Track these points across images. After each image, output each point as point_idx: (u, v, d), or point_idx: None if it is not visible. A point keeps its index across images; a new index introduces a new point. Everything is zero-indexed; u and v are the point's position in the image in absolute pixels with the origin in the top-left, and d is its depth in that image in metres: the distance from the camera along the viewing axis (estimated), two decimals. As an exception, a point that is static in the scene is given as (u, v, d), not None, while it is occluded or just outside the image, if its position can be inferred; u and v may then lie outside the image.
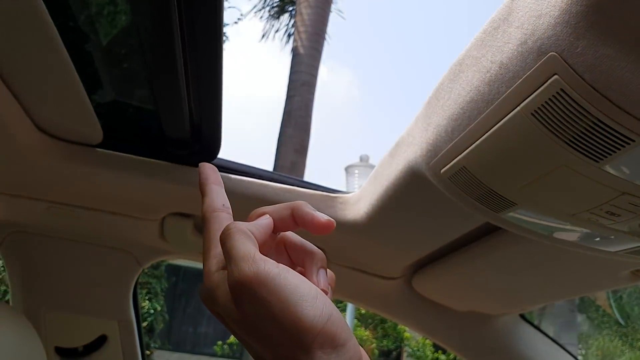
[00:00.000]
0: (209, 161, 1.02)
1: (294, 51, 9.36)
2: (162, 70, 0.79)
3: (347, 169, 6.94)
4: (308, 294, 0.40)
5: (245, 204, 1.07)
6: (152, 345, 8.50)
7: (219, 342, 11.52)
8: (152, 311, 8.11)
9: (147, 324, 8.17)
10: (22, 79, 0.80)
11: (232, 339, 11.02)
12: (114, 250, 1.29)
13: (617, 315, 11.46)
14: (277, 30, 12.94)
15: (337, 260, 1.22)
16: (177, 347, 13.35)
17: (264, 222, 0.49)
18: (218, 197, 0.53)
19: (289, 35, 12.19)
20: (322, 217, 0.48)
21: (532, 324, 1.37)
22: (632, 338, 11.86)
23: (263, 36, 13.20)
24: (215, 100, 0.85)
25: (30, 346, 0.99)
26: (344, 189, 1.13)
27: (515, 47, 0.48)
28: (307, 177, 9.04)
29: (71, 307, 1.33)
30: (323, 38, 9.40)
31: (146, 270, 8.34)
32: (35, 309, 1.29)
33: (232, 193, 1.04)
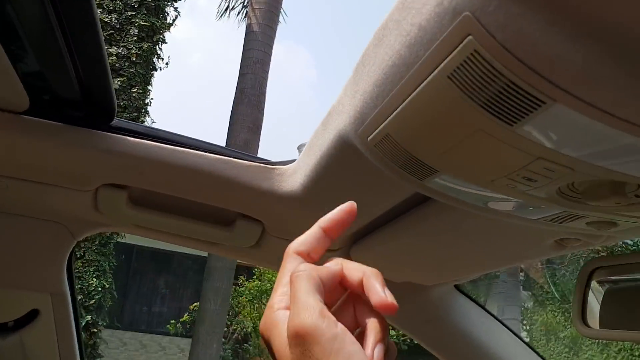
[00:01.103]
0: (106, 124, 1.01)
1: (248, 28, 9.25)
2: (37, 28, 0.77)
3: (300, 147, 6.92)
4: None
5: (179, 175, 1.05)
6: (99, 323, 8.38)
7: (172, 321, 11.45)
8: (100, 289, 8.00)
9: (95, 302, 8.05)
10: None
11: (185, 317, 10.97)
12: (46, 222, 1.25)
13: (555, 293, 11.89)
14: (232, 8, 12.75)
15: (276, 233, 1.21)
16: (130, 327, 13.25)
17: (335, 269, 0.50)
18: (308, 239, 0.54)
19: (244, 13, 12.02)
20: (387, 298, 0.47)
21: (468, 296, 1.40)
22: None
23: (220, 13, 13.00)
24: (98, 57, 0.84)
25: None
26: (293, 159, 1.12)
27: (432, 8, 0.47)
28: (260, 155, 8.95)
29: (1, 281, 1.29)
30: (277, 16, 9.32)
31: (94, 248, 8.20)
32: None
33: (166, 164, 1.03)
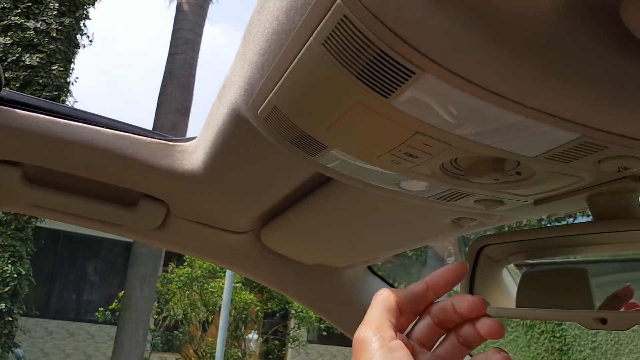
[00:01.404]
0: None
1: (178, 8, 9.03)
2: None
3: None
4: None
5: (74, 151, 1.00)
6: (15, 311, 8.03)
7: (101, 309, 11.15)
8: (15, 275, 7.67)
9: (10, 289, 7.70)
10: None
11: (114, 304, 10.72)
12: None
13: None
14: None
15: (181, 214, 1.18)
16: (57, 315, 12.87)
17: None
18: (402, 293, 0.52)
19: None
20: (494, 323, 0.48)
21: (380, 276, 1.41)
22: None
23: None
24: None
25: None
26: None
27: None
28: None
29: None
30: (208, -4, 9.15)
31: (9, 232, 7.86)
32: None
33: (60, 139, 0.97)
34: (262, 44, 0.58)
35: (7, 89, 0.97)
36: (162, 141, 1.02)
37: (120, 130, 1.00)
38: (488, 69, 0.42)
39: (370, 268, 1.39)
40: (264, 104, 0.63)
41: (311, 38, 0.47)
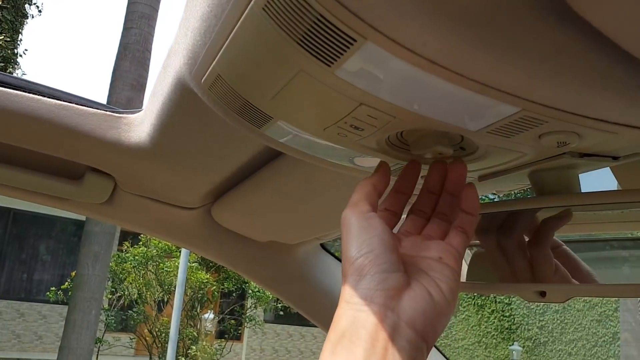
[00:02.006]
0: None
1: (133, -20, 8.77)
2: None
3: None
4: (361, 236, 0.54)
5: (14, 121, 0.96)
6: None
7: (52, 288, 10.92)
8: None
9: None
10: None
11: (66, 284, 10.51)
12: None
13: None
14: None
15: (129, 188, 1.15)
16: (7, 295, 12.56)
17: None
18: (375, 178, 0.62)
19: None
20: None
21: (332, 254, 1.42)
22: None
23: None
24: None
25: None
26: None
27: None
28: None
29: None
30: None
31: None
32: None
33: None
34: (203, 9, 0.56)
35: None
36: (107, 112, 0.99)
37: (64, 101, 0.97)
38: (428, 38, 0.42)
39: (323, 245, 1.39)
40: (207, 73, 0.61)
41: (252, 2, 0.46)
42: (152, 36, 8.58)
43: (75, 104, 0.97)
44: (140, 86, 8.29)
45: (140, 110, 0.98)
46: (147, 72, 8.45)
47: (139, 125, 0.95)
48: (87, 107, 0.98)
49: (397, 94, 0.50)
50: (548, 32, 0.40)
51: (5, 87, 0.94)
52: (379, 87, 0.49)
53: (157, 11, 8.64)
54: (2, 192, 1.18)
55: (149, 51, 8.55)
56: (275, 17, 0.45)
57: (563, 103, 0.49)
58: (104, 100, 8.47)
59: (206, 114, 0.76)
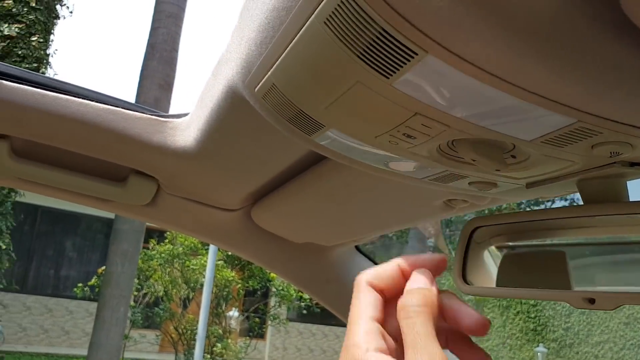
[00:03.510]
0: None
1: (161, -20, 8.85)
2: None
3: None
4: None
5: (63, 125, 0.99)
6: (-5, 285, 7.99)
7: (80, 285, 11.09)
8: (-5, 250, 7.61)
9: (-10, 264, 7.66)
10: None
11: (93, 280, 10.66)
12: None
13: (452, 254, 12.51)
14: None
15: (172, 190, 1.17)
16: (35, 291, 12.79)
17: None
18: (383, 275, 0.48)
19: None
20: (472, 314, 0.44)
21: (367, 255, 1.43)
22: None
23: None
24: None
25: None
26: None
27: None
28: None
29: None
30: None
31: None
32: None
33: (49, 112, 0.95)
34: (261, 21, 0.57)
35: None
36: (153, 117, 1.01)
37: (112, 105, 0.99)
38: (489, 52, 0.43)
39: (357, 247, 1.40)
40: (262, 82, 0.63)
41: (312, 16, 0.47)
42: (179, 35, 8.65)
43: (123, 108, 1.00)
44: (167, 85, 8.37)
45: (185, 115, 1.00)
46: (175, 72, 8.53)
47: (185, 130, 0.98)
48: (134, 111, 1.00)
49: (453, 104, 0.51)
50: (607, 46, 0.41)
51: (55, 91, 0.97)
52: (436, 97, 0.50)
53: (183, 10, 8.71)
54: (48, 193, 1.21)
55: (176, 50, 8.63)
56: (337, 30, 0.46)
57: (618, 115, 0.49)
58: (132, 100, 8.56)
59: (254, 120, 0.78)
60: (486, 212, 1.14)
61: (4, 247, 7.72)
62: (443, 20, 0.41)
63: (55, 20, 8.04)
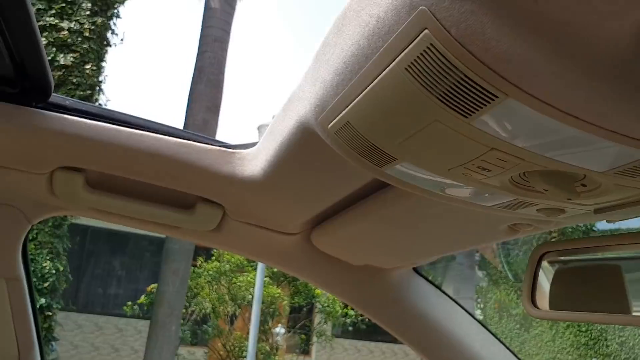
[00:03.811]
0: (42, 101, 0.98)
1: (207, 5, 9.09)
2: None
3: (259, 127, 6.92)
4: None
5: (138, 158, 1.04)
6: (54, 306, 8.21)
7: (129, 303, 11.32)
8: (54, 271, 7.81)
9: (49, 285, 7.86)
10: None
11: (142, 299, 10.87)
12: (0, 205, 1.22)
13: (508, 273, 12.24)
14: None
15: (236, 217, 1.22)
16: (85, 309, 13.06)
17: None
18: None
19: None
20: None
21: (426, 278, 1.44)
22: (525, 291, 12.74)
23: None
24: (31, 35, 0.83)
25: None
26: (253, 142, 1.12)
27: (390, 1, 0.48)
28: (220, 135, 8.96)
29: None
30: (237, -8, 9.20)
31: (47, 229, 7.98)
32: None
33: (125, 147, 1.01)
34: (338, 65, 0.61)
35: (71, 97, 1.02)
36: (222, 148, 1.06)
37: (184, 138, 1.05)
38: (567, 94, 0.45)
39: (415, 269, 1.42)
40: (336, 119, 0.66)
41: (394, 62, 0.51)
42: (225, 59, 8.87)
43: (194, 141, 1.05)
44: (215, 108, 8.57)
45: (252, 146, 1.05)
46: (221, 94, 8.72)
47: (252, 160, 1.02)
48: (204, 143, 1.05)
49: (529, 140, 0.53)
50: None
51: (130, 127, 1.03)
52: (512, 134, 0.52)
53: (229, 34, 8.93)
54: (120, 221, 1.27)
55: (223, 74, 8.84)
56: (418, 76, 0.49)
57: None
58: (181, 122, 8.81)
59: (322, 151, 0.81)
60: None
61: (61, 268, 7.94)
62: (524, 67, 0.43)
63: (106, 48, 8.32)
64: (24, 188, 1.16)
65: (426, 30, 0.45)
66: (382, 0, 0.50)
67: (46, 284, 7.85)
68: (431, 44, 0.46)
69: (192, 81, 8.79)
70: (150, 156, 1.03)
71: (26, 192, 1.18)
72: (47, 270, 7.79)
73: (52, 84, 0.98)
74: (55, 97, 1.03)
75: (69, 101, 1.03)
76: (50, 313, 8.12)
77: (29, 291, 1.33)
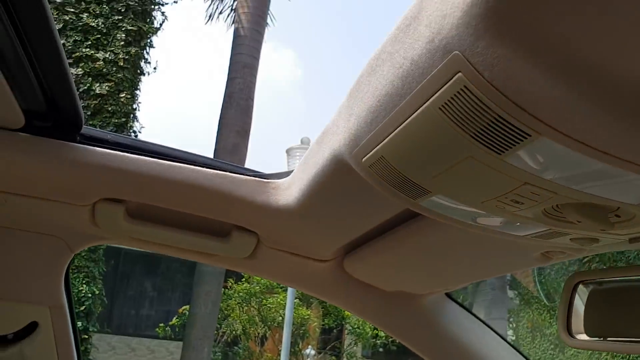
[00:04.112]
0: (74, 133, 1.02)
1: (236, 33, 9.29)
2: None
3: (288, 151, 6.96)
4: None
5: (177, 189, 1.08)
6: (90, 329, 8.32)
7: (161, 324, 11.40)
8: (90, 295, 7.92)
9: (85, 308, 7.98)
10: None
11: (174, 320, 10.94)
12: (44, 236, 1.26)
13: (541, 294, 11.97)
14: (221, 12, 12.85)
15: (270, 244, 1.24)
16: (118, 331, 13.18)
17: None
18: None
19: (232, 17, 12.11)
20: None
21: (458, 302, 1.44)
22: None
23: (208, 18, 13.10)
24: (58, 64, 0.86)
25: None
26: (285, 171, 1.15)
27: (424, 45, 0.50)
28: (249, 158, 9.03)
29: (1, 294, 1.30)
30: (265, 20, 9.39)
31: (83, 254, 8.11)
32: None
33: (165, 179, 1.05)
34: (372, 103, 0.63)
35: (107, 125, 1.06)
36: (257, 178, 1.09)
37: (220, 170, 1.08)
38: (599, 132, 0.46)
39: (448, 294, 1.42)
40: (369, 154, 0.69)
41: (428, 102, 0.53)
42: (254, 84, 9.03)
43: (229, 171, 1.08)
44: (244, 132, 8.71)
45: (285, 175, 1.08)
46: (251, 119, 8.86)
47: (286, 190, 1.05)
48: (240, 174, 1.09)
49: (562, 175, 0.54)
50: None
51: (169, 159, 1.06)
52: (545, 169, 0.54)
53: (257, 60, 9.10)
54: (158, 249, 1.30)
55: (252, 99, 9.00)
56: (452, 115, 0.51)
57: None
58: (212, 147, 8.96)
59: (355, 183, 0.83)
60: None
61: (97, 292, 8.05)
62: (557, 107, 0.45)
63: (140, 77, 8.55)
64: (68, 219, 1.20)
65: (460, 74, 0.47)
66: (417, 44, 0.52)
67: (82, 308, 7.96)
68: (465, 86, 0.48)
69: (222, 107, 8.98)
70: (188, 187, 1.06)
71: (69, 223, 1.22)
72: (83, 294, 7.90)
73: (83, 117, 1.02)
74: (97, 131, 1.07)
75: (110, 135, 1.08)
76: (86, 336, 8.22)
77: (71, 319, 1.37)
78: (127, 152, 1.05)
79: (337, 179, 0.87)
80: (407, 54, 0.54)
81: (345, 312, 11.04)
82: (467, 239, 0.94)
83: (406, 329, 1.42)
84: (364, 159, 0.71)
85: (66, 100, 0.95)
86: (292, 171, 1.08)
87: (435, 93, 0.51)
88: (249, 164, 9.40)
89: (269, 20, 9.84)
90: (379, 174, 0.71)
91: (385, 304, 1.38)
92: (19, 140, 0.99)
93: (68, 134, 1.02)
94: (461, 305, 1.43)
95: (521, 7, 0.41)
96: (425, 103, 0.53)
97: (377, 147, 0.66)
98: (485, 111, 0.48)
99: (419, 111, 0.55)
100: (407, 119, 0.58)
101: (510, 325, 14.28)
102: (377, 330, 11.15)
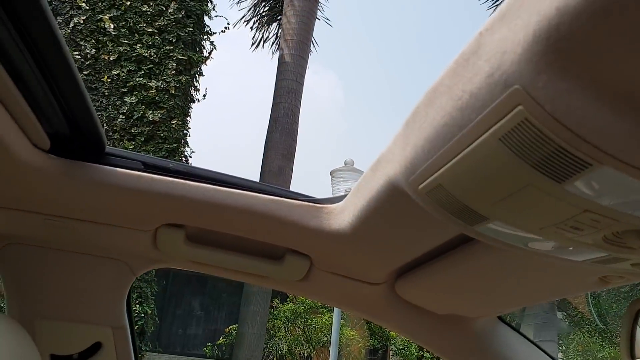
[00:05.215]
0: (98, 155, 1.06)
1: (281, 59, 9.50)
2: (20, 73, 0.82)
3: (332, 173, 6.99)
4: None
5: (235, 215, 1.12)
6: (143, 348, 8.46)
7: (209, 344, 11.50)
8: (142, 315, 8.05)
9: (138, 328, 8.11)
10: (18, 100, 0.84)
11: (221, 340, 11.02)
12: (109, 260, 1.32)
13: (595, 316, 11.55)
14: (266, 39, 13.16)
15: (323, 267, 1.26)
16: (166, 349, 13.32)
17: None
18: None
19: (277, 44, 12.36)
20: None
21: (510, 325, 1.42)
22: (611, 334, 11.95)
23: (253, 45, 13.43)
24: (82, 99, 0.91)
25: (27, 354, 1.02)
26: (329, 192, 1.17)
27: (483, 79, 0.52)
28: (294, 181, 9.13)
29: (66, 315, 1.35)
30: (309, 46, 9.55)
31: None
32: (31, 317, 1.32)
33: (224, 205, 1.09)
34: (429, 133, 0.65)
35: (159, 150, 1.11)
36: (310, 203, 1.12)
37: (276, 195, 1.11)
38: None
39: (500, 317, 1.40)
40: (427, 182, 0.70)
41: (487, 133, 0.54)
42: (299, 109, 9.19)
43: (284, 197, 1.12)
44: (290, 155, 8.85)
45: (337, 200, 1.11)
46: (295, 142, 9.00)
47: (339, 214, 1.07)
48: (294, 199, 1.12)
49: (623, 202, 0.55)
50: None
51: (228, 187, 1.11)
52: (605, 197, 0.54)
53: (302, 85, 9.26)
54: (214, 272, 1.34)
55: (297, 123, 9.16)
56: (512, 146, 0.53)
57: None
58: (258, 169, 9.09)
59: (409, 208, 0.84)
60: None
61: (149, 312, 8.18)
62: (619, 138, 0.46)
63: (190, 104, 8.81)
64: (131, 244, 1.25)
65: (520, 107, 0.49)
66: (476, 78, 0.53)
67: (136, 327, 8.09)
68: (525, 119, 0.49)
69: (268, 131, 9.16)
70: (245, 212, 1.10)
71: (132, 247, 1.27)
72: (136, 314, 8.03)
73: (105, 141, 1.07)
74: (162, 161, 1.13)
75: (172, 164, 1.13)
76: (139, 355, 8.34)
77: (132, 340, 1.42)
78: (188, 179, 1.09)
79: (391, 205, 0.89)
80: (466, 87, 0.55)
81: (391, 332, 10.91)
82: (521, 263, 0.94)
83: (458, 351, 1.41)
84: (420, 187, 0.72)
85: (88, 123, 1.00)
86: (344, 196, 1.10)
87: (495, 124, 0.52)
88: (293, 185, 9.48)
89: (312, 47, 9.99)
90: (436, 200, 0.72)
91: (436, 327, 1.37)
92: (92, 170, 1.05)
93: (92, 155, 1.07)
94: (513, 327, 1.42)
95: (582, 45, 0.42)
96: (484, 134, 0.55)
97: (435, 175, 0.67)
98: (546, 142, 0.49)
99: (478, 141, 0.56)
100: (465, 149, 0.59)
101: (561, 347, 13.82)
102: (423, 350, 10.95)
